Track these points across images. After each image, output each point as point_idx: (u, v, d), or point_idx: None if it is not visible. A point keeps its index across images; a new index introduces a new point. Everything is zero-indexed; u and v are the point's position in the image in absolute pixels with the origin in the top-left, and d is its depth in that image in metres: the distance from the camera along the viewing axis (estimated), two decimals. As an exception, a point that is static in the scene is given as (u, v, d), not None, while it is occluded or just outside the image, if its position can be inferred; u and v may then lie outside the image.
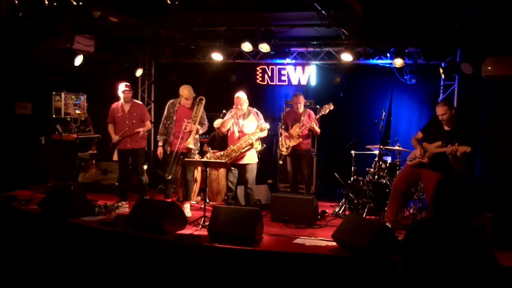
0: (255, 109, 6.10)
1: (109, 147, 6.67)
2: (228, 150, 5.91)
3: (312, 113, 6.80)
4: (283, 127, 6.95)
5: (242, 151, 5.84)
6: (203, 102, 6.01)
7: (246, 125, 5.95)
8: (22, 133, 7.31)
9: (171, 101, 6.21)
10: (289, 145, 6.78)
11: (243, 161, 5.92)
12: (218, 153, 6.14)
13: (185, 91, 6.05)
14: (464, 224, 2.48)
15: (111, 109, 6.57)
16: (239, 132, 5.98)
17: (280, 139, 7.00)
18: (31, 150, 7.37)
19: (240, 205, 6.13)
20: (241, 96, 5.98)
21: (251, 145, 5.82)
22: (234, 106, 6.00)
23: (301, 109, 6.83)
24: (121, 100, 6.49)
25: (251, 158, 5.94)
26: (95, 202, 6.09)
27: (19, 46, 6.13)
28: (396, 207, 5.24)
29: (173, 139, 6.06)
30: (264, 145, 6.18)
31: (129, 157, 6.55)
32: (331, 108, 6.58)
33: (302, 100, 6.82)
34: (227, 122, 5.99)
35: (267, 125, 5.88)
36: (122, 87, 6.44)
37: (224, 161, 5.67)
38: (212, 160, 5.97)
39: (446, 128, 4.96)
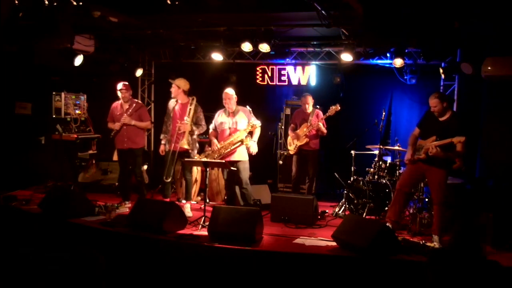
0: (247, 107, 6.10)
1: (111, 136, 6.61)
2: (218, 147, 5.92)
3: (320, 113, 6.80)
4: (291, 126, 6.97)
5: (232, 147, 5.84)
6: (194, 101, 6.02)
7: (237, 121, 5.97)
8: (22, 133, 7.31)
9: (171, 100, 6.24)
10: (296, 145, 6.79)
11: (233, 158, 5.90)
12: (208, 150, 6.14)
13: (182, 82, 6.07)
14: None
15: (111, 108, 6.56)
16: (229, 129, 5.98)
17: (288, 138, 7.02)
18: (31, 150, 7.37)
19: (239, 205, 6.13)
20: (229, 92, 6.00)
21: (241, 141, 5.83)
22: (223, 102, 6.02)
23: (309, 109, 6.84)
24: (121, 100, 6.49)
25: (241, 155, 5.92)
26: (95, 202, 6.08)
27: (19, 46, 6.12)
28: (399, 207, 5.22)
29: (170, 137, 6.08)
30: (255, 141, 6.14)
31: (128, 156, 6.54)
32: (338, 110, 6.58)
33: (310, 100, 6.84)
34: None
35: (258, 122, 5.89)
36: (119, 86, 6.42)
37: (223, 161, 5.67)
38: (211, 160, 5.97)
39: (440, 119, 4.99)
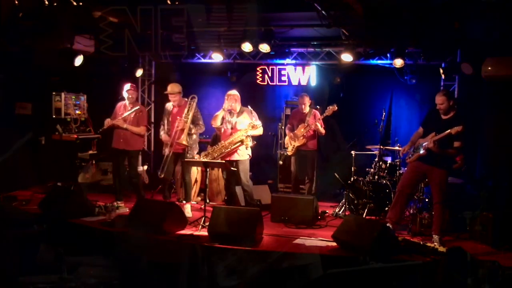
0: (249, 108, 6.10)
1: (98, 132, 6.54)
2: (219, 146, 5.93)
3: (317, 113, 6.79)
4: (288, 127, 6.97)
5: (233, 147, 5.85)
6: (195, 100, 6.02)
7: (239, 122, 5.96)
8: (22, 133, 7.30)
9: (169, 103, 6.25)
10: (294, 145, 6.78)
11: (233, 157, 5.91)
12: (209, 149, 6.15)
13: (176, 87, 6.08)
14: None
15: (116, 107, 6.52)
16: (231, 129, 5.99)
17: (285, 139, 7.02)
18: (31, 150, 7.36)
19: (240, 205, 6.13)
20: (232, 93, 6.00)
21: (241, 141, 5.83)
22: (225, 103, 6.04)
23: (306, 109, 6.84)
24: (126, 101, 6.47)
25: (240, 155, 5.91)
26: (95, 202, 6.07)
27: (19, 46, 6.12)
28: (400, 209, 5.20)
29: (171, 140, 6.07)
30: (255, 142, 6.17)
31: (123, 157, 6.49)
32: (335, 110, 6.58)
33: (307, 100, 6.83)
34: (218, 116, 6.02)
35: (259, 123, 5.89)
36: (127, 87, 6.40)
37: (223, 161, 5.68)
38: (211, 159, 5.97)
39: (443, 117, 4.99)
